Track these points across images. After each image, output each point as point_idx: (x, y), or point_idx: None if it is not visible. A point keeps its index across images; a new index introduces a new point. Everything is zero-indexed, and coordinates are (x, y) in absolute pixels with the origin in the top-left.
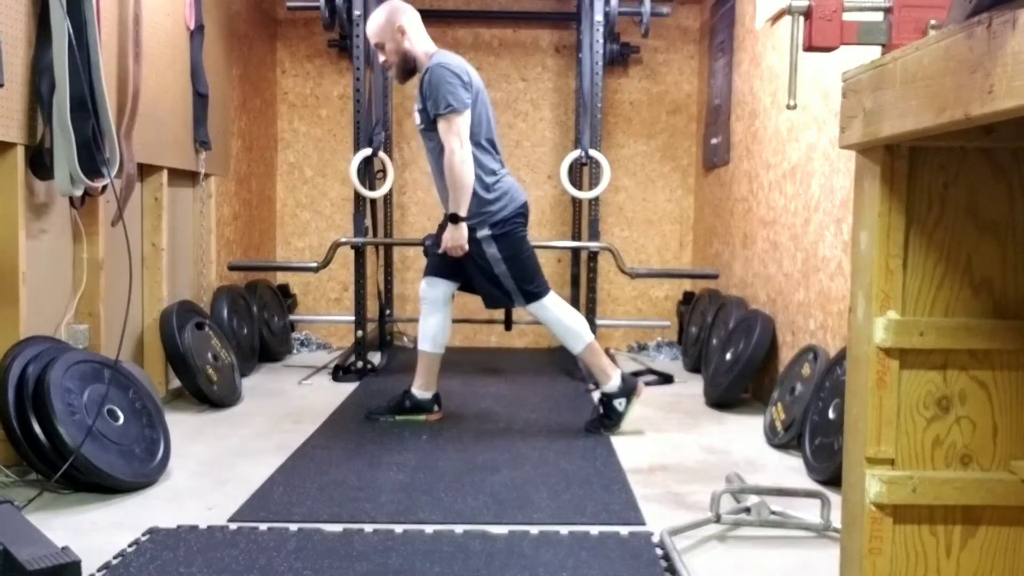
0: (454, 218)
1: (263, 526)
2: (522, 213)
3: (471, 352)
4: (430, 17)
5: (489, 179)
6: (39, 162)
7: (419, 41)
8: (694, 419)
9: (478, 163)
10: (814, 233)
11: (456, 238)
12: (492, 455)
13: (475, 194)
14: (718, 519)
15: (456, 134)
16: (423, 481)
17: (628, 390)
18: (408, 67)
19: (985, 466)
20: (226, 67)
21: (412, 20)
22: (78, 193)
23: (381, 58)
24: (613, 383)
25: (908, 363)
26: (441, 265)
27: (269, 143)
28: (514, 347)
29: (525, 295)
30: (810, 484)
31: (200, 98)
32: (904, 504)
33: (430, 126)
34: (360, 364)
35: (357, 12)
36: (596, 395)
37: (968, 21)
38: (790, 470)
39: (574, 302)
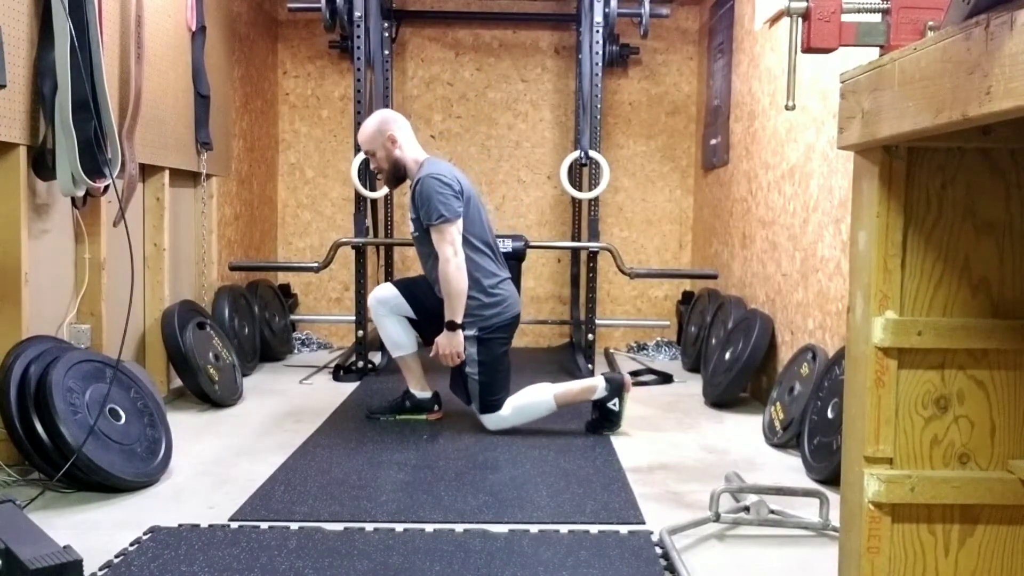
0: (451, 325)
1: (264, 525)
2: (511, 325)
3: None
4: (431, 18)
5: (488, 281)
6: (41, 162)
7: (409, 149)
8: (693, 418)
9: (475, 266)
10: (813, 233)
11: (454, 345)
12: (492, 454)
13: (473, 296)
14: (717, 518)
15: (450, 243)
16: (423, 480)
17: (616, 389)
18: (399, 174)
19: (983, 465)
20: (227, 68)
21: (403, 129)
22: (80, 193)
23: (372, 165)
24: (599, 392)
25: (906, 363)
26: (410, 287)
27: (270, 144)
28: (514, 346)
29: (482, 404)
30: (809, 483)
31: (202, 99)
32: (902, 503)
33: (424, 235)
34: (361, 364)
35: (358, 14)
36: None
37: (966, 22)
38: (789, 469)
39: (574, 302)
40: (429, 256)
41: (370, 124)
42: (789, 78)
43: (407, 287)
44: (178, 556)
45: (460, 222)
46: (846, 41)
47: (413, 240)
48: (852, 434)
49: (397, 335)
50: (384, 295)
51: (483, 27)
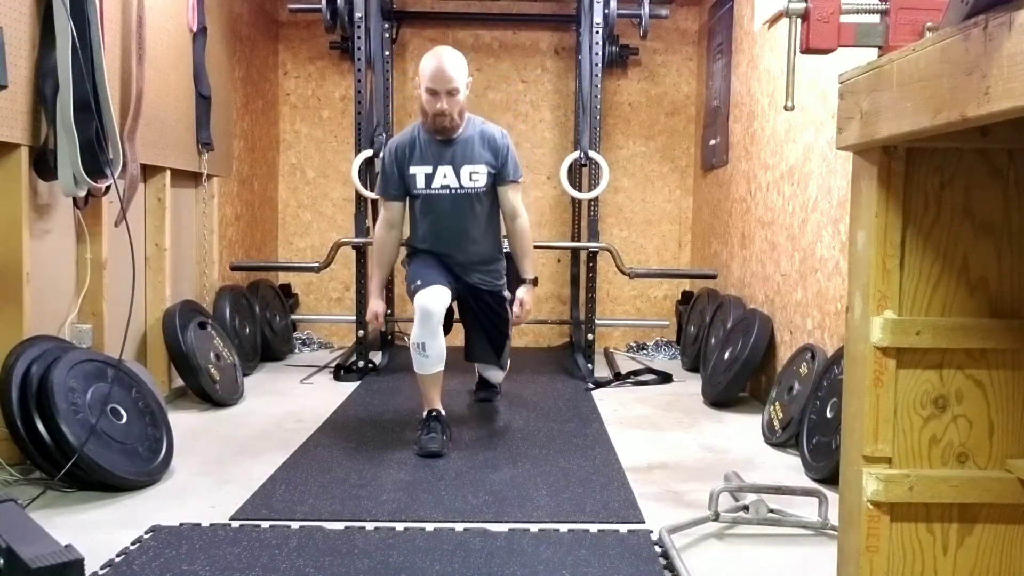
0: (535, 281)
1: (265, 524)
2: None
3: None
4: (431, 19)
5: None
6: (43, 163)
7: None
8: (693, 418)
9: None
10: (811, 233)
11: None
12: (492, 453)
13: (507, 256)
14: (717, 517)
15: (521, 202)
16: (424, 479)
17: None
18: (456, 123)
19: (981, 465)
20: (228, 69)
21: None
22: (81, 194)
23: (441, 105)
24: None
25: (905, 362)
26: (446, 279)
27: (271, 144)
28: (514, 347)
29: (504, 357)
30: (808, 482)
31: (203, 99)
32: (901, 502)
33: (492, 188)
34: (361, 363)
35: (358, 15)
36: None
37: (964, 23)
38: (788, 468)
39: (574, 302)
40: (483, 211)
41: (455, 56)
42: (788, 79)
43: (446, 280)
44: (179, 555)
45: None
46: (845, 42)
47: (457, 195)
48: (851, 433)
49: (443, 347)
50: (446, 289)
51: (483, 28)
